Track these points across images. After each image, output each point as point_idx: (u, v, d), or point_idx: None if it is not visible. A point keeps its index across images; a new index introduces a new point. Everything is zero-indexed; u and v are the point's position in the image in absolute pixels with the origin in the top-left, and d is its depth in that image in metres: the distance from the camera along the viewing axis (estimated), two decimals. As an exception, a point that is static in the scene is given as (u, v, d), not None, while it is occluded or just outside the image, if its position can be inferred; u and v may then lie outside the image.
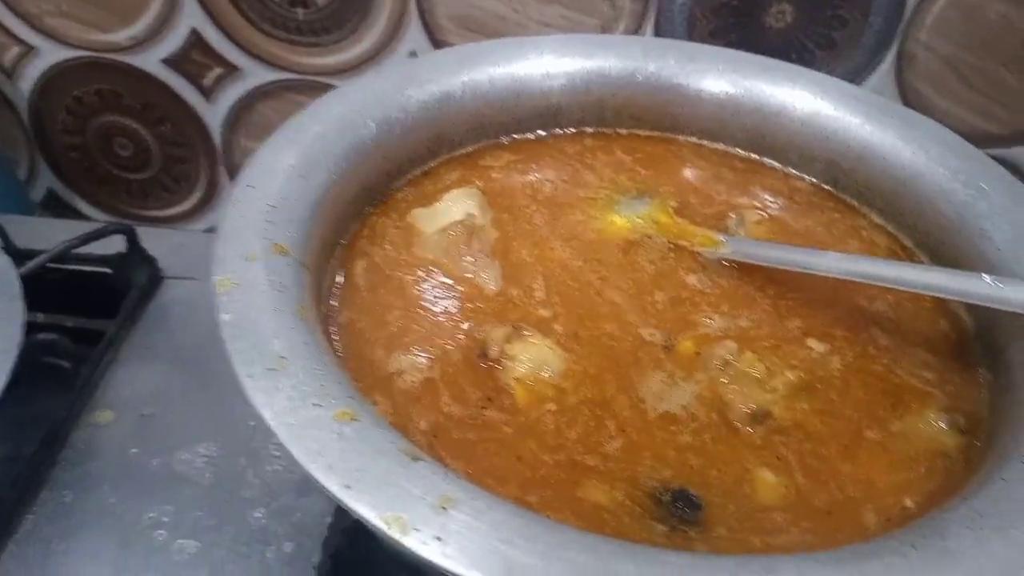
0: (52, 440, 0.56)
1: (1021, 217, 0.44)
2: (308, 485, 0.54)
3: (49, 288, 0.65)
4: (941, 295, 0.43)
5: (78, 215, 1.04)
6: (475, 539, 0.27)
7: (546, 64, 0.53)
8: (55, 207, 1.04)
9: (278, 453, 0.56)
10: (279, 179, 0.41)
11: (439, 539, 0.27)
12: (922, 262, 0.48)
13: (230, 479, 0.55)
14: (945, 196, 0.47)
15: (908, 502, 0.36)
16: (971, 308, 0.45)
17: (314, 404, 0.31)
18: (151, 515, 0.53)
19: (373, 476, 0.29)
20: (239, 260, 0.36)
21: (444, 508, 0.28)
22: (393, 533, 0.27)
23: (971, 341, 0.44)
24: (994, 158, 0.83)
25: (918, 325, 0.45)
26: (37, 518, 0.52)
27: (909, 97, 0.83)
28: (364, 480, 0.29)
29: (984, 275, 0.40)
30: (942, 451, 0.38)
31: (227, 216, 0.38)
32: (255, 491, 0.54)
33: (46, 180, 1.02)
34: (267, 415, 0.30)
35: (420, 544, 0.27)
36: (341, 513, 0.52)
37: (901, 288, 0.43)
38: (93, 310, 0.66)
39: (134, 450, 0.56)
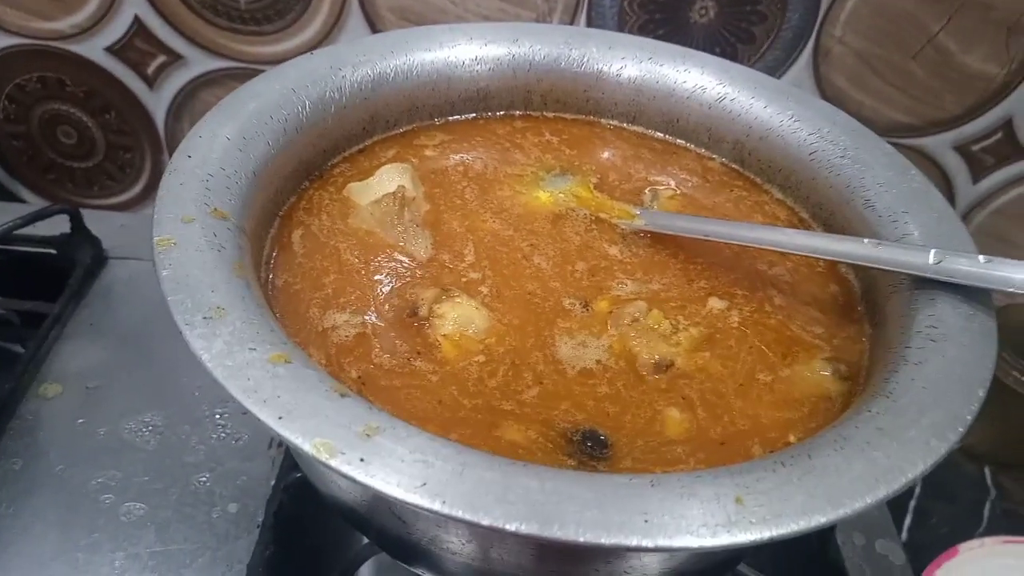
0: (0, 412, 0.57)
1: (901, 188, 0.49)
2: (252, 449, 0.57)
3: (-3, 270, 0.66)
4: (826, 256, 0.47)
5: (22, 204, 1.04)
6: (395, 460, 0.30)
7: (474, 50, 0.57)
8: (-1, 195, 1.04)
9: (222, 421, 0.59)
10: (217, 151, 0.44)
11: (363, 460, 0.30)
12: (815, 231, 0.53)
13: (175, 446, 0.57)
14: (835, 171, 0.51)
15: (792, 438, 0.40)
16: (858, 271, 0.50)
17: (250, 348, 0.34)
18: (98, 480, 0.55)
19: (304, 409, 0.32)
20: (177, 222, 0.38)
21: (368, 435, 0.31)
22: (321, 456, 0.30)
23: (858, 301, 0.49)
24: (908, 148, 0.89)
25: (811, 288, 0.50)
26: (-15, 485, 0.54)
27: (826, 90, 0.88)
28: (296, 412, 0.32)
29: (865, 239, 0.45)
30: (825, 395, 0.43)
31: (166, 183, 0.40)
32: (200, 456, 0.57)
33: (-12, 169, 1.02)
34: (205, 357, 0.33)
35: (345, 464, 0.30)
36: (283, 473, 0.54)
37: (794, 252, 0.47)
38: (41, 291, 0.67)
39: (81, 420, 0.58)
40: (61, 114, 0.96)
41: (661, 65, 0.58)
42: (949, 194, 0.93)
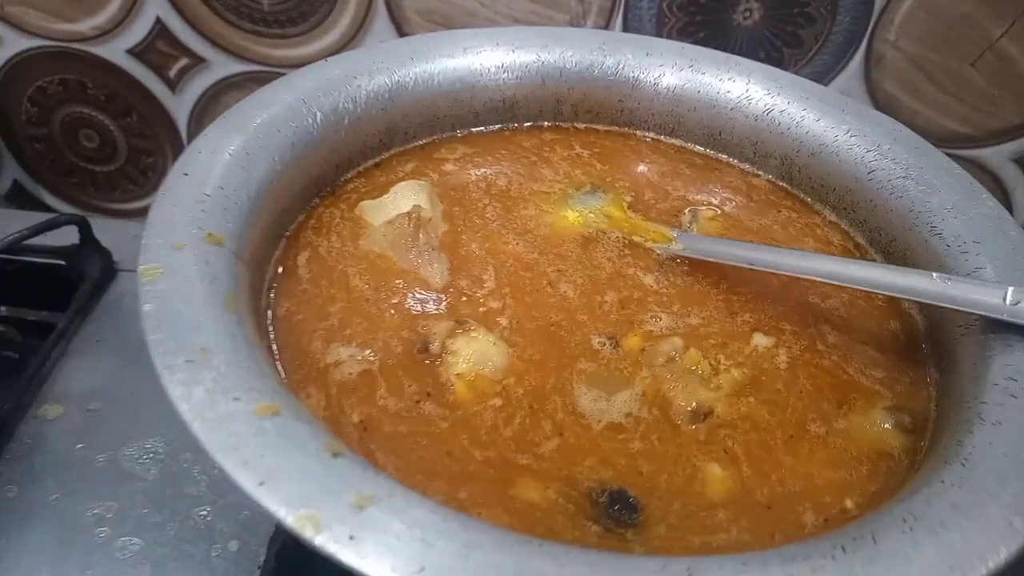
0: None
1: (972, 215, 0.44)
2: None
3: (3, 280, 0.64)
4: (888, 292, 0.42)
5: (44, 208, 1.02)
6: (390, 537, 0.26)
7: (501, 56, 0.53)
8: (21, 200, 1.02)
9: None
10: (217, 168, 0.40)
11: (352, 538, 0.26)
12: (874, 259, 0.48)
13: (176, 475, 0.54)
14: (896, 193, 0.46)
15: (849, 503, 0.35)
16: (923, 307, 0.45)
17: (234, 398, 0.30)
18: (95, 512, 0.52)
19: (290, 472, 0.28)
20: (167, 248, 0.35)
21: (361, 507, 0.27)
22: (306, 532, 0.26)
23: (921, 341, 0.44)
24: (965, 159, 0.84)
25: (869, 324, 0.45)
26: (-22, 513, 0.51)
27: (878, 97, 0.82)
28: (280, 476, 0.28)
29: (933, 273, 0.40)
30: (887, 451, 0.38)
31: (157, 204, 0.37)
32: (201, 488, 0.53)
33: (11, 172, 1.00)
34: (183, 408, 0.29)
35: (332, 543, 0.26)
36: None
37: (849, 285, 0.43)
38: (47, 302, 0.65)
39: (80, 445, 0.55)
40: (83, 117, 0.94)
41: (703, 73, 0.53)
42: (1008, 208, 0.87)
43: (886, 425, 0.39)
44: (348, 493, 0.27)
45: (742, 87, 0.53)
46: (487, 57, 0.53)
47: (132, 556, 0.50)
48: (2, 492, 0.52)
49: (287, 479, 0.28)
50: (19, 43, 0.88)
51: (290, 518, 0.27)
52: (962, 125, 0.83)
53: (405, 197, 0.46)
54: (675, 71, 0.54)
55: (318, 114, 0.46)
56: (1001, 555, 0.28)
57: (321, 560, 0.48)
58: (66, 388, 0.59)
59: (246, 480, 0.27)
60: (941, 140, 0.83)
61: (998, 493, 0.30)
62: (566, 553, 0.27)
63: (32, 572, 0.49)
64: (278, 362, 0.38)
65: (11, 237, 0.62)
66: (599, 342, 0.42)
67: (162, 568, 0.49)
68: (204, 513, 0.52)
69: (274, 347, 0.39)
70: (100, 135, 0.95)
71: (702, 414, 0.38)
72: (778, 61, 0.80)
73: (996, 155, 0.84)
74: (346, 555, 0.26)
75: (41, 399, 0.58)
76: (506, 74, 0.53)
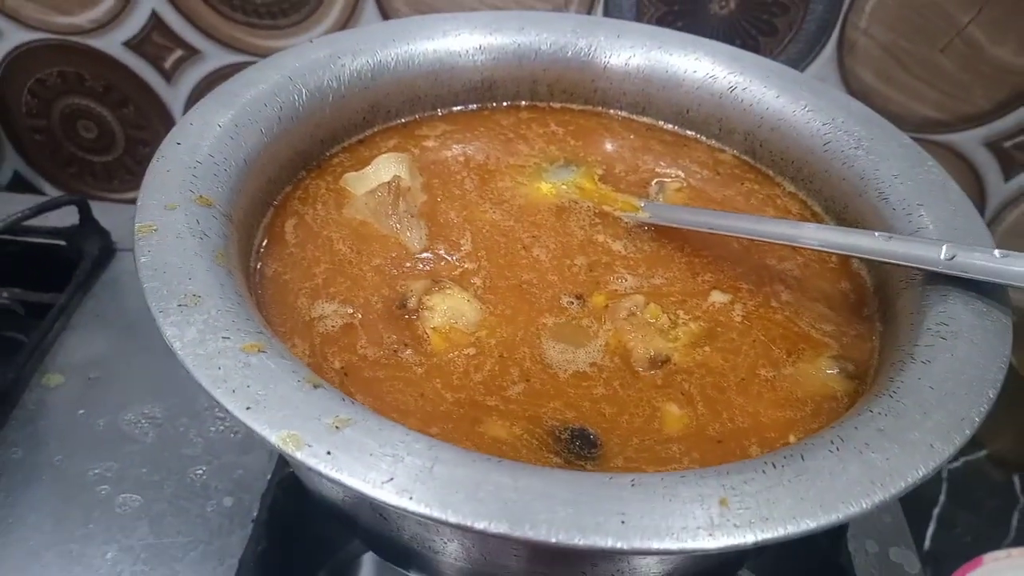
0: (2, 400, 0.57)
1: (917, 180, 0.47)
2: (250, 442, 0.56)
3: (5, 260, 0.67)
4: (835, 251, 0.45)
5: (36, 196, 1.04)
6: (364, 454, 0.29)
7: (478, 39, 0.56)
8: (21, 190, 1.05)
9: (221, 415, 0.58)
10: (208, 138, 0.43)
11: (329, 453, 0.29)
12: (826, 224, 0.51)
13: (173, 438, 0.57)
14: (849, 162, 0.49)
15: (792, 438, 0.38)
16: (871, 267, 0.48)
17: (223, 337, 0.33)
18: (95, 471, 0.55)
19: (273, 399, 0.31)
20: (161, 208, 0.38)
21: (337, 428, 0.30)
22: (288, 448, 0.29)
23: (869, 298, 0.47)
24: (938, 145, 0.86)
25: (821, 284, 0.48)
26: (-15, 473, 0.54)
27: (851, 84, 0.85)
28: (264, 403, 0.31)
29: (875, 232, 0.43)
30: (831, 395, 0.41)
31: (152, 169, 0.40)
32: (197, 449, 0.56)
33: (12, 162, 1.03)
34: (176, 346, 0.32)
35: (312, 457, 0.29)
36: (279, 468, 0.54)
37: (801, 245, 0.45)
38: (50, 282, 0.67)
39: (81, 411, 0.58)
40: (81, 108, 0.97)
41: (670, 54, 0.56)
42: (980, 192, 0.90)
43: (831, 371, 0.41)
44: (326, 417, 0.30)
45: (707, 66, 0.55)
46: (465, 39, 0.56)
47: (131, 511, 0.53)
48: (8, 454, 0.55)
49: (271, 405, 0.30)
50: (19, 36, 0.90)
51: (273, 437, 0.29)
52: (934, 110, 0.85)
53: (386, 168, 0.49)
54: (644, 52, 0.57)
55: (303, 91, 0.49)
56: (920, 472, 0.31)
57: (310, 512, 0.51)
58: (67, 359, 0.62)
59: (234, 406, 0.30)
60: (915, 127, 0.86)
61: (921, 421, 0.33)
62: (522, 468, 0.30)
63: (37, 527, 0.51)
64: (265, 316, 0.41)
65: (13, 217, 0.65)
66: (567, 301, 0.45)
67: (159, 522, 0.52)
68: (200, 472, 0.55)
69: (262, 302, 0.42)
70: (98, 126, 0.98)
71: (659, 361, 0.41)
72: (754, 49, 0.82)
73: (968, 140, 0.87)
74: (324, 467, 0.29)
75: (43, 369, 0.61)
76: (484, 56, 0.56)
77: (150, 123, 0.96)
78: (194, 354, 0.32)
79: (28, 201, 0.68)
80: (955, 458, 0.33)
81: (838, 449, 0.32)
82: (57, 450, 0.56)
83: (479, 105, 0.58)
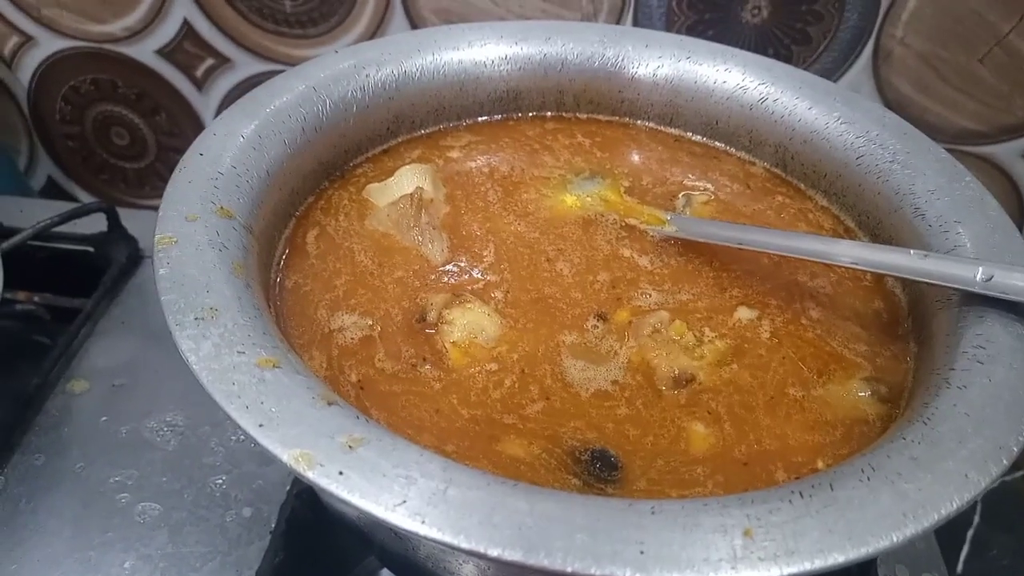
0: (27, 406, 0.58)
1: (954, 196, 0.45)
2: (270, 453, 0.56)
3: (36, 266, 0.67)
4: (868, 268, 0.44)
5: (66, 203, 1.06)
6: (377, 474, 0.29)
7: (504, 49, 0.55)
8: (55, 196, 1.06)
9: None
10: (231, 149, 0.43)
11: (342, 473, 0.28)
12: (861, 241, 0.49)
13: (194, 447, 0.57)
14: (884, 176, 0.48)
15: (820, 464, 0.37)
16: (906, 286, 0.46)
17: (238, 352, 0.32)
18: (116, 479, 0.55)
19: (287, 416, 0.30)
20: (181, 219, 0.38)
21: (351, 447, 0.29)
22: (299, 468, 0.29)
23: (904, 318, 0.45)
24: (977, 157, 0.84)
25: (854, 302, 0.46)
26: (8, 479, 0.54)
27: (887, 95, 0.83)
28: (278, 420, 0.30)
29: (910, 250, 0.41)
30: (862, 418, 0.39)
31: (174, 180, 0.40)
32: (218, 459, 0.56)
33: (46, 168, 1.05)
34: (191, 360, 0.32)
35: (324, 478, 0.28)
36: (297, 480, 0.53)
37: (832, 262, 0.44)
38: (78, 288, 0.68)
39: (104, 418, 0.58)
40: (114, 115, 0.98)
41: (699, 64, 0.55)
42: (1018, 206, 0.88)
43: (863, 394, 0.40)
44: (340, 436, 0.30)
45: (737, 77, 0.54)
46: (491, 50, 0.55)
47: (151, 520, 0.53)
48: (31, 460, 0.56)
49: (284, 422, 0.30)
50: (54, 44, 0.92)
51: (285, 455, 0.29)
52: (973, 121, 0.83)
53: (408, 179, 0.48)
54: (673, 62, 0.56)
55: (328, 102, 0.49)
56: (954, 504, 0.30)
57: (327, 525, 0.51)
58: (92, 365, 0.62)
59: (247, 423, 0.30)
60: (953, 138, 0.84)
61: (956, 449, 0.32)
62: (539, 492, 0.29)
63: (57, 533, 0.52)
64: (283, 327, 0.40)
65: (41, 224, 0.65)
66: (590, 315, 0.44)
67: (178, 531, 0.52)
68: (220, 482, 0.55)
69: (281, 314, 0.41)
70: (130, 133, 0.99)
71: (684, 380, 0.40)
72: (787, 59, 0.81)
73: (1007, 151, 0.85)
74: (336, 488, 0.28)
75: (68, 375, 0.61)
76: (509, 66, 0.55)
77: (182, 130, 0.97)
78: (209, 368, 0.32)
79: (58, 208, 0.69)
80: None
81: (869, 479, 0.30)
82: (79, 457, 0.56)
83: (504, 115, 0.57)
